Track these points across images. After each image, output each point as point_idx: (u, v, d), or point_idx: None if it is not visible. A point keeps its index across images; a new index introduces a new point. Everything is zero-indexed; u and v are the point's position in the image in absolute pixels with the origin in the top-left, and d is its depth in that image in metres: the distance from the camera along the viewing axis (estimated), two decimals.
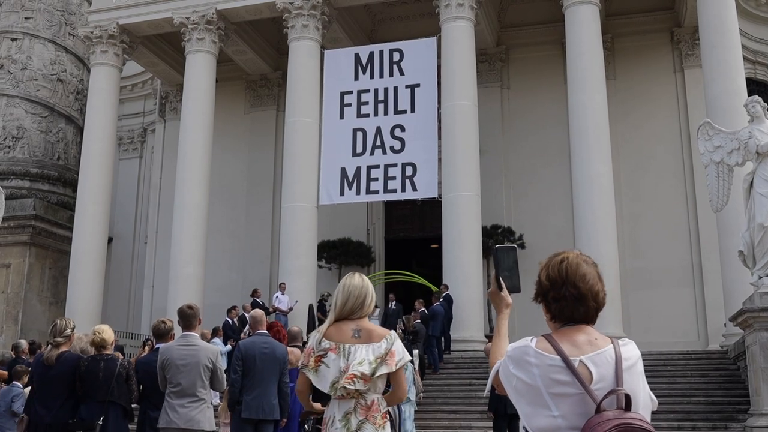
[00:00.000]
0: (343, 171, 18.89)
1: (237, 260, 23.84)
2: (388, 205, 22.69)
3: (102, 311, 20.99)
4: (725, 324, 16.31)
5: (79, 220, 21.14)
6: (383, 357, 3.78)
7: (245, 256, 23.82)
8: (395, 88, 19.07)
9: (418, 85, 18.88)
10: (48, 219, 23.38)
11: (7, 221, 19.77)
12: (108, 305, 22.85)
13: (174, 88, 25.57)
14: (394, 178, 18.52)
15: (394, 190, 18.62)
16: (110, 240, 23.69)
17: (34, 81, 25.16)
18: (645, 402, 2.17)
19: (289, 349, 7.95)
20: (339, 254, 22.51)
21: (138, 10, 21.71)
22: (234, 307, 17.95)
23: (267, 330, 7.77)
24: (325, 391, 3.79)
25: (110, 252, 23.69)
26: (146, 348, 15.45)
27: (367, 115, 19.14)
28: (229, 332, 16.76)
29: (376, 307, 4.21)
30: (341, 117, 19.32)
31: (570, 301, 2.21)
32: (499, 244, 2.73)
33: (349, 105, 19.29)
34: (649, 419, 2.14)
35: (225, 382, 6.61)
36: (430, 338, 16.23)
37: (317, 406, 4.19)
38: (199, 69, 21.05)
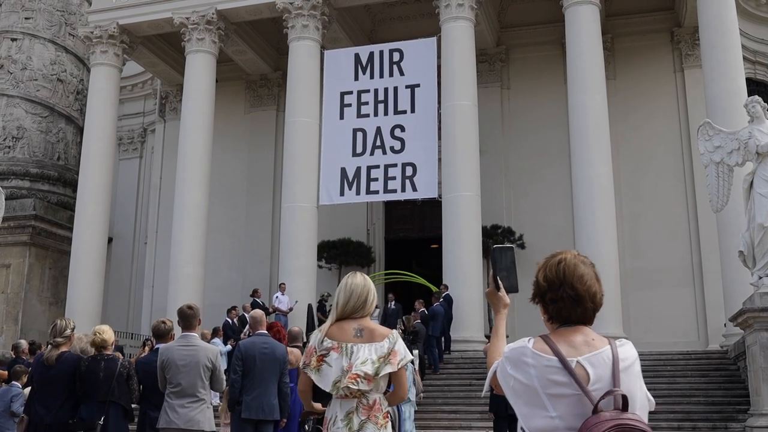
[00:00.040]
0: (343, 171, 18.89)
1: (237, 260, 23.84)
2: (388, 205, 22.69)
3: (102, 311, 20.99)
4: (725, 324, 16.31)
5: (79, 220, 21.14)
6: (386, 356, 3.78)
7: (245, 256, 23.82)
8: (395, 88, 19.07)
9: (418, 85, 18.88)
10: (48, 219, 23.38)
11: (7, 221, 19.78)
12: (108, 305, 22.85)
13: (174, 88, 25.57)
14: (394, 178, 18.52)
15: (394, 191, 18.62)
16: (110, 240, 23.69)
17: (34, 81, 25.16)
18: (642, 402, 2.17)
19: (288, 349, 7.95)
20: (339, 254, 22.51)
21: (138, 11, 21.71)
22: (234, 308, 17.95)
23: (267, 330, 7.77)
24: (327, 390, 3.79)
25: (110, 252, 23.69)
26: (146, 348, 15.45)
27: (367, 115, 19.14)
28: (229, 332, 16.76)
29: (376, 307, 4.20)
30: (341, 117, 19.32)
31: (567, 302, 2.21)
32: (496, 245, 2.74)
33: (349, 105, 19.29)
34: (646, 419, 2.14)
35: (224, 383, 6.60)
36: (430, 338, 16.24)
37: (318, 406, 4.19)
38: (199, 69, 21.05)
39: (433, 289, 18.64)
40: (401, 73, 19.10)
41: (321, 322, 16.11)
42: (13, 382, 8.96)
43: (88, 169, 21.38)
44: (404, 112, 18.87)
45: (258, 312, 8.12)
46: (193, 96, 20.98)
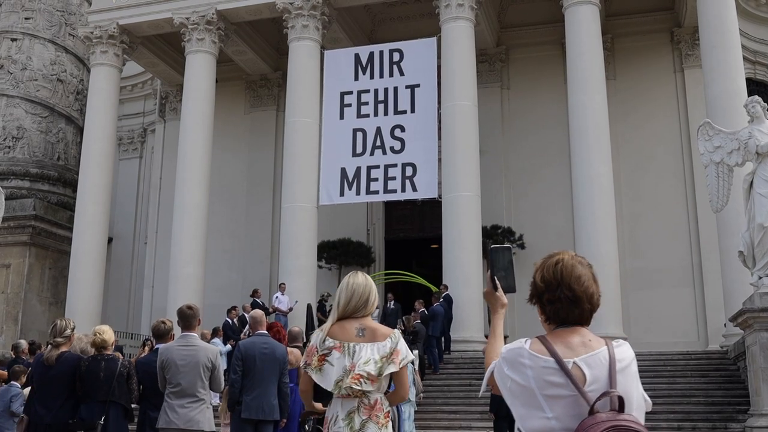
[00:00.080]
0: (343, 171, 18.89)
1: (237, 260, 23.84)
2: (388, 205, 22.69)
3: (102, 311, 20.99)
4: (725, 324, 16.31)
5: (79, 220, 21.14)
6: (389, 356, 3.77)
7: (245, 256, 23.82)
8: (395, 89, 19.07)
9: (418, 86, 18.88)
10: (48, 219, 23.39)
11: (7, 221, 19.78)
12: (108, 305, 22.85)
13: (174, 89, 25.57)
14: (394, 178, 18.52)
15: (394, 191, 18.62)
16: (110, 240, 23.69)
17: (34, 81, 25.17)
18: (639, 403, 2.17)
19: (288, 349, 7.95)
20: (339, 254, 22.51)
21: (138, 11, 21.72)
22: (234, 308, 17.95)
23: (267, 330, 7.76)
24: (329, 390, 3.78)
25: (110, 252, 23.70)
26: (146, 348, 15.44)
27: (367, 116, 19.14)
28: (229, 332, 16.76)
29: (376, 307, 4.20)
30: (341, 117, 19.32)
31: (565, 303, 2.21)
32: (494, 245, 2.73)
33: (349, 105, 19.29)
34: (643, 420, 2.14)
35: (222, 383, 6.60)
36: (430, 338, 16.24)
37: (318, 406, 4.19)
38: (199, 69, 21.05)
39: (433, 289, 18.64)
40: (401, 73, 19.10)
41: (321, 322, 16.11)
42: (12, 381, 8.96)
43: (88, 169, 21.38)
44: (404, 112, 18.87)
45: (258, 312, 8.12)
46: (193, 96, 20.98)
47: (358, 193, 18.86)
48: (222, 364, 7.27)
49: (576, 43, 18.52)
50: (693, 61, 21.37)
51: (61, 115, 25.58)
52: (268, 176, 24.28)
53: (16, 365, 9.55)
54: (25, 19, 25.61)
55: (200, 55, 21.08)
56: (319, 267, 20.70)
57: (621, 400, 2.08)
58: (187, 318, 6.33)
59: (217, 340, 15.45)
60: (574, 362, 2.12)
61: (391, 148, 18.71)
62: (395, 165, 18.59)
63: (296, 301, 18.17)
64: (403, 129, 18.76)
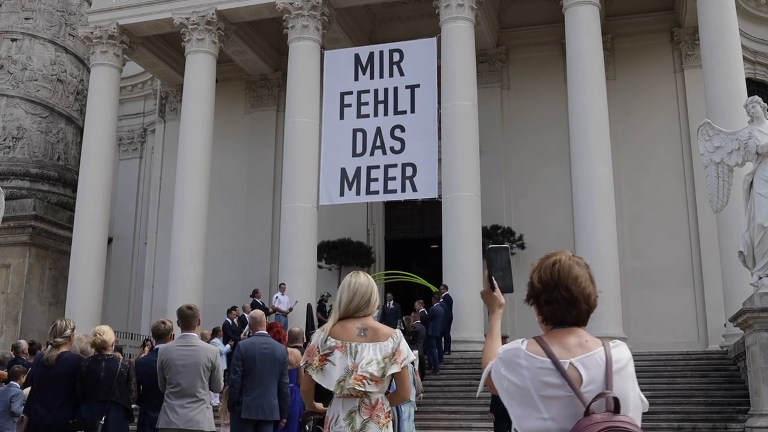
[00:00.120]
0: (343, 171, 18.89)
1: (237, 260, 23.84)
2: (388, 205, 22.69)
3: (102, 311, 20.99)
4: (725, 324, 16.31)
5: (79, 220, 21.14)
6: (391, 356, 3.77)
7: (245, 256, 23.82)
8: (395, 89, 19.07)
9: (418, 86, 18.88)
10: (48, 219, 23.39)
11: (7, 221, 19.78)
12: (108, 305, 22.85)
13: (174, 89, 25.58)
14: (394, 178, 18.52)
15: (394, 191, 18.62)
16: (110, 240, 23.70)
17: (34, 81, 25.17)
18: (635, 404, 2.17)
19: (288, 349, 7.95)
20: (339, 254, 22.51)
21: (138, 11, 21.72)
22: (234, 308, 17.94)
23: (267, 330, 7.77)
24: (331, 389, 3.77)
25: (110, 252, 23.70)
26: (146, 348, 15.44)
27: (367, 116, 19.14)
28: (229, 333, 16.76)
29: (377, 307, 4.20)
30: (341, 117, 19.32)
31: (562, 303, 2.22)
32: (492, 245, 2.74)
33: (349, 105, 19.29)
34: (639, 421, 2.14)
35: (222, 383, 6.60)
36: (430, 339, 16.24)
37: (319, 406, 4.18)
38: (199, 69, 21.05)
39: (433, 289, 18.64)
40: (401, 74, 19.10)
41: (321, 323, 16.13)
42: (12, 382, 8.96)
43: (88, 169, 21.38)
44: (404, 112, 18.87)
45: (258, 312, 8.12)
46: (193, 96, 20.98)
47: (358, 193, 18.86)
48: (222, 365, 7.27)
49: (576, 43, 18.52)
50: (693, 62, 21.37)
51: (61, 115, 25.58)
52: (268, 176, 24.29)
53: (15, 365, 9.55)
54: (25, 19, 25.61)
55: (200, 55, 21.08)
56: (319, 267, 20.70)
57: (617, 401, 2.08)
58: (187, 318, 6.33)
59: (217, 341, 15.45)
60: (570, 363, 2.12)
61: (391, 149, 18.71)
62: (395, 165, 18.59)
63: (296, 302, 18.17)
64: (403, 129, 18.76)
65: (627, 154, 21.29)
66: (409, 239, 23.42)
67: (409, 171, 18.42)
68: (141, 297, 25.08)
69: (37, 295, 22.98)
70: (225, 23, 21.39)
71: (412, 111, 18.79)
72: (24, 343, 12.41)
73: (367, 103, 19.16)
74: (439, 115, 18.78)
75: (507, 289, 2.66)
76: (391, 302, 18.53)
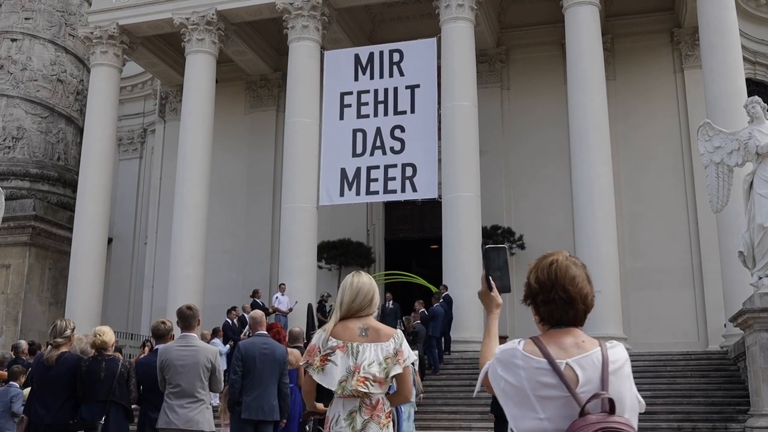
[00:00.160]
0: (343, 171, 18.89)
1: (237, 260, 23.84)
2: (388, 205, 22.68)
3: (102, 311, 20.99)
4: (725, 324, 16.31)
5: (79, 220, 21.14)
6: (393, 357, 3.77)
7: (245, 256, 23.82)
8: (395, 89, 19.07)
9: (418, 86, 18.88)
10: (48, 219, 23.39)
11: (7, 222, 19.78)
12: (108, 305, 22.85)
13: (174, 89, 25.58)
14: (394, 178, 18.52)
15: (394, 191, 18.62)
16: (110, 240, 23.69)
17: (34, 81, 25.17)
18: (632, 405, 2.17)
19: (288, 349, 7.95)
20: (339, 255, 22.51)
21: (138, 11, 21.72)
22: (234, 308, 17.94)
23: (267, 331, 7.77)
24: (332, 389, 3.77)
25: (110, 252, 23.70)
26: (146, 349, 15.44)
27: (367, 116, 19.14)
28: (228, 333, 16.75)
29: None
30: (341, 117, 19.33)
31: (559, 304, 2.22)
32: (489, 245, 2.73)
33: (349, 105, 19.29)
34: (635, 422, 2.14)
35: (221, 383, 6.60)
36: (430, 339, 16.24)
37: (320, 406, 4.18)
38: (199, 69, 21.05)
39: (433, 289, 18.64)
40: (401, 74, 19.10)
41: (321, 323, 16.13)
42: (11, 382, 8.96)
43: (88, 170, 21.38)
44: (404, 112, 18.87)
45: (258, 312, 8.12)
46: (193, 96, 20.98)
47: (358, 193, 18.86)
48: (222, 365, 7.27)
49: (576, 43, 18.52)
50: (693, 62, 21.37)
51: (61, 116, 25.58)
52: (268, 176, 24.29)
53: (15, 365, 9.55)
54: (25, 19, 25.61)
55: (200, 55, 21.08)
56: (319, 267, 20.70)
57: (612, 402, 2.08)
58: (187, 318, 6.33)
59: (217, 341, 15.44)
60: (566, 363, 2.12)
61: (391, 149, 18.71)
62: (395, 165, 18.59)
63: (296, 302, 18.16)
64: (403, 129, 18.76)
65: (627, 154, 21.30)
66: (409, 239, 23.42)
67: (409, 171, 18.42)
68: (141, 297, 25.08)
69: (37, 295, 22.98)
70: (225, 23, 21.39)
71: (412, 111, 18.79)
72: (24, 344, 12.40)
73: (367, 104, 19.16)
74: (439, 115, 18.78)
75: (505, 289, 2.65)
76: (390, 302, 18.52)
